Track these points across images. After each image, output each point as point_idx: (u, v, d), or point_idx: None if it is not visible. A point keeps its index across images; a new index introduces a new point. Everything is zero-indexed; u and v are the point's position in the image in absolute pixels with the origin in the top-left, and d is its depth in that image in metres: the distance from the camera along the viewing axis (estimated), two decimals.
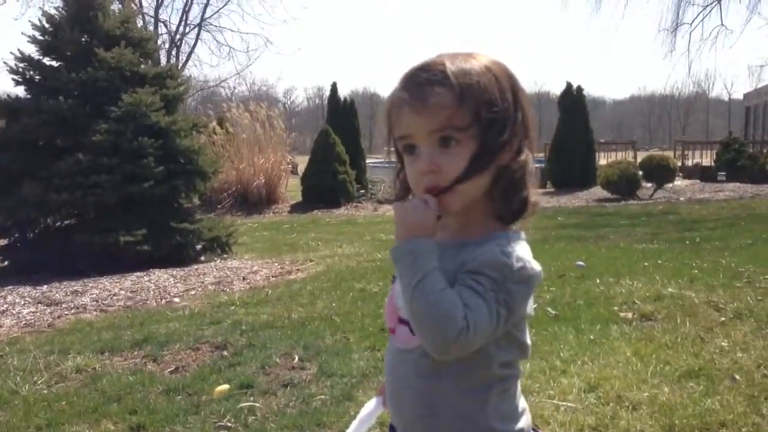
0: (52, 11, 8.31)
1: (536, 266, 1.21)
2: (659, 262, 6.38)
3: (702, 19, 18.13)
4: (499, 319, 1.15)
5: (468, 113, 1.18)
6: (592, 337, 4.03)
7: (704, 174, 20.61)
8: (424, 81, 1.20)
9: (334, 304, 5.22)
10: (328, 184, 14.69)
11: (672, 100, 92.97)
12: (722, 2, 17.79)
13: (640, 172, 15.60)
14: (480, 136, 1.19)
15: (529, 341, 1.30)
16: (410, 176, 1.26)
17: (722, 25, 17.92)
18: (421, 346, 1.19)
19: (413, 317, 1.15)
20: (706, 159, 24.10)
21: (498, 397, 1.27)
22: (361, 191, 15.70)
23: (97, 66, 7.77)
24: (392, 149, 1.32)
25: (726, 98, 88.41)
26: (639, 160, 17.81)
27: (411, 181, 1.26)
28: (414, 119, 1.20)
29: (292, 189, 16.15)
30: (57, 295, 6.10)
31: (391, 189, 1.53)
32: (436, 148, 1.20)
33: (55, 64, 8.15)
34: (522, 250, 1.20)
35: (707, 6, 17.98)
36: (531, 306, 1.28)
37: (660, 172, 15.69)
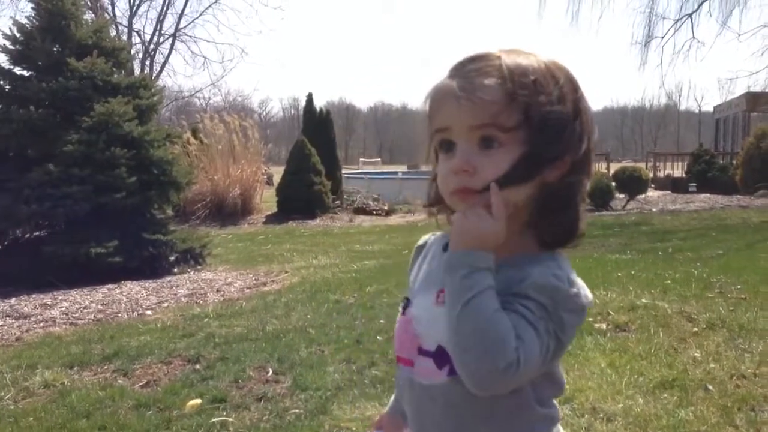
0: (24, 20, 8.21)
1: (589, 294, 1.07)
2: (632, 272, 6.43)
3: (674, 33, 18.36)
4: (547, 353, 1.02)
5: (517, 113, 1.03)
6: (567, 348, 4.03)
7: (676, 185, 20.93)
8: (473, 71, 1.06)
9: (308, 316, 5.18)
10: (304, 195, 14.63)
11: (644, 112, 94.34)
12: (693, 16, 18.06)
13: (613, 184, 15.77)
14: (528, 142, 1.04)
15: (561, 373, 1.16)
16: (440, 175, 1.11)
17: (694, 38, 18.16)
18: (449, 382, 1.07)
19: (457, 338, 1.00)
20: (678, 170, 24.50)
21: None
22: (337, 202, 15.66)
23: (69, 75, 7.68)
24: (431, 148, 1.16)
25: (697, 110, 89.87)
26: (612, 171, 18.01)
27: (440, 180, 1.11)
28: (455, 111, 1.05)
29: (267, 200, 16.06)
30: (26, 308, 5.99)
31: (423, 197, 1.35)
32: (475, 147, 1.05)
33: (26, 73, 8.06)
34: (573, 274, 1.07)
35: (678, 20, 18.23)
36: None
37: (632, 184, 15.87)
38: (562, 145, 1.06)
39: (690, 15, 18.06)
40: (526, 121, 1.03)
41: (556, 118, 1.04)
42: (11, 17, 10.68)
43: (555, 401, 1.17)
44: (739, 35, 18.29)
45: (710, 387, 3.35)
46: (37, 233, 7.88)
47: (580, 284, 1.06)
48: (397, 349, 1.20)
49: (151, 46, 30.55)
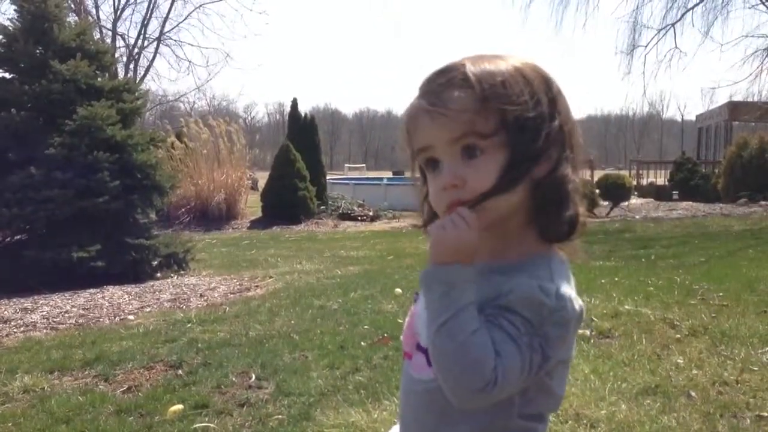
0: (6, 22, 8.14)
1: (578, 306, 1.05)
2: (616, 279, 6.46)
3: (657, 42, 18.56)
4: (531, 368, 1.01)
5: (493, 118, 1.03)
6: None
7: (658, 193, 21.11)
8: (442, 84, 1.06)
9: (292, 322, 5.16)
10: (288, 200, 14.60)
11: (627, 121, 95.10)
12: (676, 26, 18.25)
13: (597, 191, 15.85)
14: (509, 144, 1.04)
15: (562, 391, 1.14)
16: (432, 194, 1.11)
17: (676, 47, 18.35)
18: (435, 379, 1.06)
19: (436, 357, 1.02)
20: (660, 178, 24.69)
21: None
22: (322, 207, 15.63)
23: (52, 78, 7.61)
24: (416, 169, 1.17)
25: (679, 119, 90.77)
26: (596, 179, 18.11)
27: (432, 199, 1.12)
28: (432, 128, 1.06)
29: (251, 205, 16.01)
30: (6, 312, 5.91)
31: (417, 213, 1.23)
32: (459, 159, 1.05)
33: (8, 75, 7.98)
34: (565, 286, 1.05)
35: (662, 29, 18.42)
36: (573, 349, 1.15)
37: (616, 191, 15.98)
38: (543, 142, 1.06)
39: (673, 25, 18.27)
40: (503, 124, 1.03)
41: (531, 116, 1.04)
42: None
43: (547, 415, 1.16)
44: (722, 45, 18.55)
45: (693, 393, 3.37)
46: (19, 237, 7.80)
47: (568, 296, 1.04)
48: (402, 341, 1.23)
49: (136, 50, 30.30)
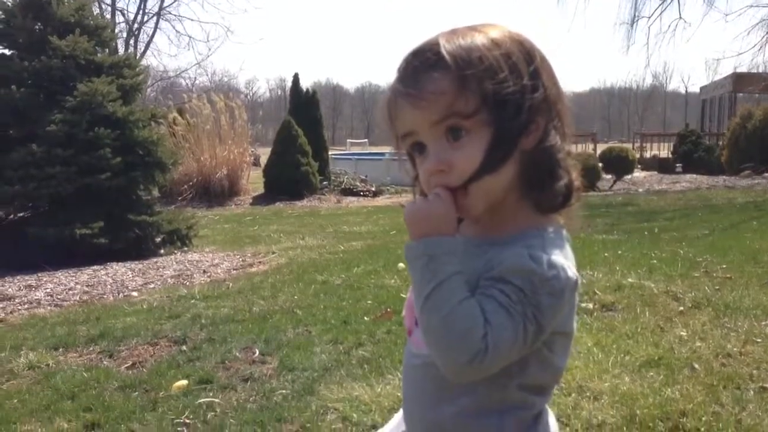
0: None
1: (571, 274, 1.02)
2: (619, 252, 6.44)
3: (661, 13, 18.38)
4: (526, 337, 0.98)
5: (472, 96, 1.00)
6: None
7: (662, 166, 21.05)
8: (417, 67, 1.03)
9: (296, 297, 5.17)
10: (291, 176, 14.57)
11: (630, 93, 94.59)
12: None
13: (600, 164, 15.80)
14: (492, 121, 1.01)
15: (563, 364, 1.13)
16: (421, 177, 1.10)
17: (680, 18, 18.18)
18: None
19: (424, 331, 1.00)
20: (664, 151, 24.60)
21: (514, 428, 1.10)
22: (324, 183, 15.61)
23: (51, 54, 7.58)
24: (403, 153, 1.15)
25: (683, 91, 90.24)
26: (599, 152, 18.05)
27: (422, 183, 1.10)
28: (412, 113, 1.03)
29: (254, 181, 16.00)
30: (10, 289, 5.94)
31: (411, 192, 1.21)
32: (444, 142, 1.03)
33: (7, 52, 7.95)
34: (557, 255, 1.02)
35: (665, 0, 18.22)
36: (574, 321, 1.12)
37: (619, 164, 15.93)
38: (528, 114, 1.03)
39: None
40: (484, 102, 1.00)
41: (512, 90, 1.01)
42: None
43: (548, 388, 1.15)
44: (726, 15, 18.39)
45: (696, 366, 3.37)
46: (22, 214, 7.81)
47: (561, 265, 1.01)
48: (404, 318, 1.22)
49: (135, 25, 30.18)
